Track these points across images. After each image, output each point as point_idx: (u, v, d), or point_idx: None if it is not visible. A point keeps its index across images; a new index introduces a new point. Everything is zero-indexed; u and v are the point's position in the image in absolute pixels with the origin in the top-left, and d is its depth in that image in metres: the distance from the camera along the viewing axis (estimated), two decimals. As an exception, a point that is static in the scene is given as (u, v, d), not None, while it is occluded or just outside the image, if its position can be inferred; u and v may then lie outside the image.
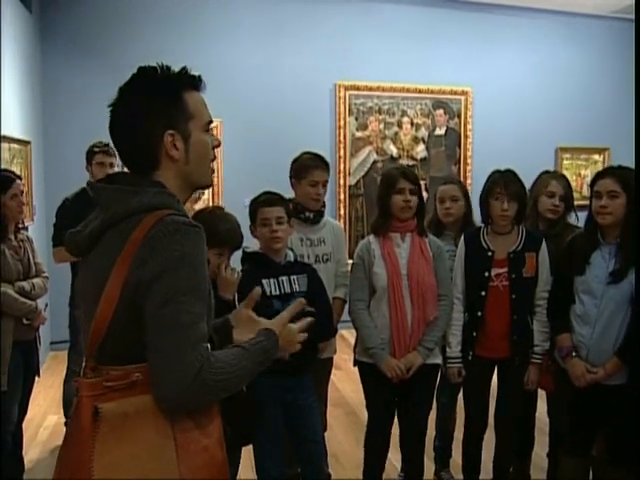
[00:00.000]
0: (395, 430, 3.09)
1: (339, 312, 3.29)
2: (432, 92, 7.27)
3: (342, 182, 7.00)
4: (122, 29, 6.22)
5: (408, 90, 7.17)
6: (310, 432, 2.84)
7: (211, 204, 6.15)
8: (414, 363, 2.89)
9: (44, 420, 4.50)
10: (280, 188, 2.95)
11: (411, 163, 7.15)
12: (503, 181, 2.96)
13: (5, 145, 4.50)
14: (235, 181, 6.20)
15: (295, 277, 2.80)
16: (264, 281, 2.73)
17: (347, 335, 5.08)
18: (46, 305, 3.52)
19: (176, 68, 1.48)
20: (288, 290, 2.75)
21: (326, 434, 3.15)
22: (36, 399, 4.31)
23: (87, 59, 6.13)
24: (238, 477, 2.97)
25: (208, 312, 1.39)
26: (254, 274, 2.74)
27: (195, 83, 1.49)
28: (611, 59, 7.92)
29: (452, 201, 3.40)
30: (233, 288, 2.62)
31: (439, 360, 3.04)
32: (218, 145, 1.56)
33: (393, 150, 7.20)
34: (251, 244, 2.89)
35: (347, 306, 3.17)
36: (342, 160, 6.98)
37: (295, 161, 3.31)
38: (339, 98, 6.91)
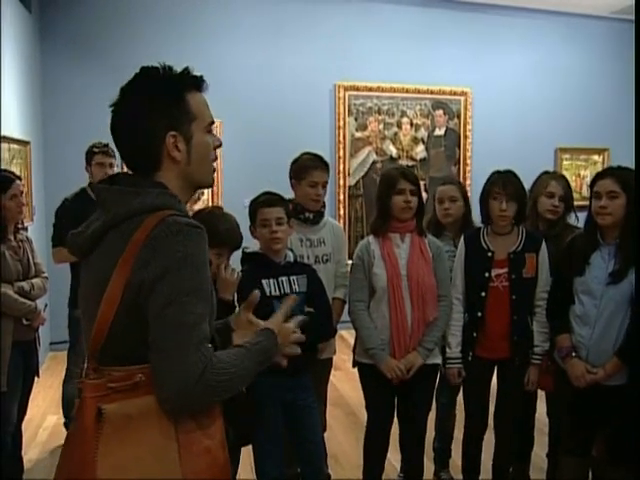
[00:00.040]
0: (395, 430, 3.10)
1: (339, 313, 3.29)
2: (432, 92, 7.27)
3: (342, 182, 7.00)
4: (122, 29, 6.22)
5: (408, 90, 7.17)
6: (310, 432, 2.84)
7: (211, 204, 6.15)
8: (414, 364, 2.89)
9: (43, 420, 4.50)
10: (280, 188, 2.95)
11: (410, 163, 7.16)
12: (502, 181, 2.97)
13: (5, 145, 4.50)
14: (235, 181, 6.20)
15: (295, 278, 2.80)
16: (264, 281, 2.73)
17: (347, 336, 5.08)
18: (45, 305, 3.51)
19: (177, 68, 1.47)
20: (288, 290, 2.75)
21: (326, 434, 3.15)
22: (35, 399, 4.31)
23: (87, 59, 6.13)
24: (238, 477, 2.97)
25: (210, 313, 1.39)
26: (254, 274, 2.74)
27: (198, 83, 1.49)
28: (610, 59, 7.92)
29: (451, 202, 3.40)
30: (233, 288, 2.62)
31: (439, 360, 3.05)
32: (220, 145, 1.56)
33: (393, 150, 7.20)
34: (251, 245, 2.89)
35: (347, 307, 3.17)
36: (342, 160, 6.98)
37: (295, 162, 3.31)
38: (339, 98, 6.92)
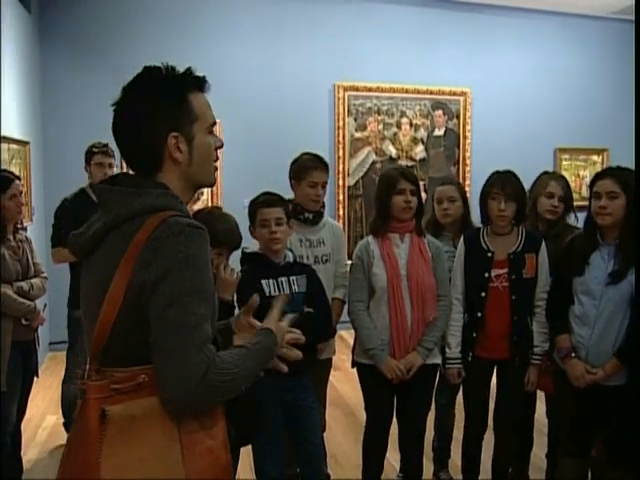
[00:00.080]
0: (394, 430, 3.10)
1: (338, 313, 3.29)
2: (431, 93, 7.27)
3: (341, 183, 7.00)
4: (121, 29, 6.22)
5: (407, 91, 7.17)
6: (309, 433, 2.84)
7: (210, 204, 6.15)
8: (414, 364, 2.89)
9: (43, 421, 4.50)
10: (279, 188, 2.95)
11: (410, 164, 7.16)
12: (500, 182, 2.97)
13: (4, 145, 4.50)
14: (234, 181, 6.19)
15: (294, 278, 2.80)
16: (263, 282, 2.73)
17: (346, 336, 5.08)
18: (45, 306, 3.51)
19: (178, 68, 1.47)
20: (287, 291, 2.75)
21: (325, 434, 3.15)
22: (35, 399, 4.31)
23: (86, 59, 6.13)
24: (237, 477, 2.96)
25: (212, 313, 1.39)
26: (253, 275, 2.74)
27: (200, 84, 1.49)
28: (610, 60, 7.92)
29: (450, 202, 3.40)
30: (232, 289, 2.62)
31: (438, 360, 3.05)
32: (221, 146, 1.55)
33: (392, 151, 7.20)
34: (250, 245, 2.89)
35: (346, 307, 3.17)
36: (341, 161, 6.98)
37: (294, 162, 3.31)
38: (338, 99, 6.92)
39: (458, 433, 3.43)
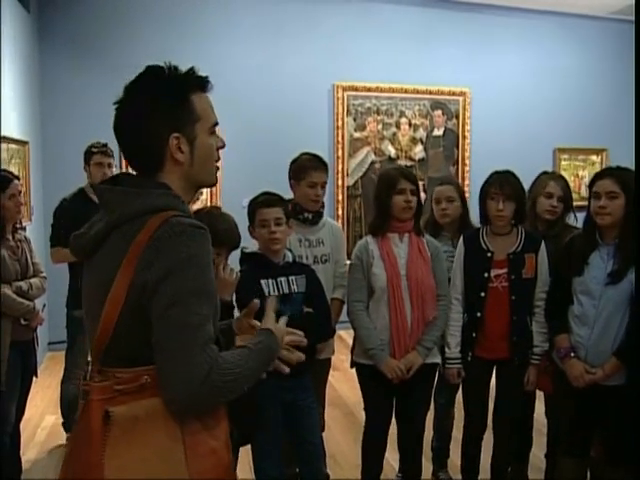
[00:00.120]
0: (393, 430, 3.10)
1: (337, 313, 3.29)
2: (430, 93, 7.27)
3: (340, 183, 7.00)
4: (121, 29, 6.21)
5: (406, 91, 7.17)
6: (309, 433, 2.84)
7: (209, 204, 6.15)
8: (414, 363, 2.90)
9: (42, 420, 4.50)
10: (278, 188, 2.95)
11: (409, 164, 7.16)
12: (499, 181, 2.97)
13: (3, 145, 4.50)
14: (233, 181, 6.19)
15: (294, 278, 2.80)
16: (263, 282, 2.73)
17: (345, 336, 5.07)
18: (44, 305, 3.51)
19: (182, 68, 1.46)
20: (287, 291, 2.76)
21: (324, 434, 3.15)
22: (34, 399, 4.30)
23: (85, 59, 6.13)
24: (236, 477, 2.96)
25: (214, 313, 1.39)
26: (253, 275, 2.74)
27: (202, 84, 1.48)
28: (609, 60, 7.93)
29: (448, 202, 3.40)
30: (231, 289, 2.61)
31: (438, 360, 3.05)
32: (223, 146, 1.55)
33: (391, 151, 7.20)
34: (250, 245, 2.89)
35: (345, 307, 3.17)
36: (340, 161, 6.98)
37: (294, 162, 3.31)
38: (337, 99, 6.92)
39: (457, 433, 3.44)
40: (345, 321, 3.18)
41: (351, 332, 3.10)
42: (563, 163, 7.91)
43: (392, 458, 3.44)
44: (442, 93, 7.31)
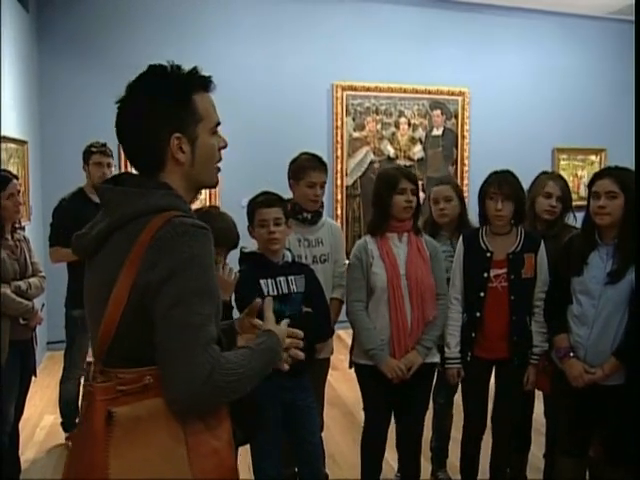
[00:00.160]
0: (392, 430, 3.10)
1: (336, 313, 3.29)
2: (429, 93, 7.27)
3: (339, 182, 7.00)
4: (120, 28, 6.21)
5: (405, 91, 7.17)
6: (308, 433, 2.84)
7: (208, 204, 6.14)
8: (414, 363, 2.90)
9: (40, 420, 4.50)
10: (278, 188, 2.95)
11: (408, 163, 7.16)
12: (498, 181, 2.96)
13: (2, 145, 4.49)
14: (232, 181, 6.17)
15: (293, 278, 2.80)
16: (262, 281, 2.73)
17: (344, 336, 5.07)
18: (43, 305, 3.51)
19: (185, 68, 1.46)
20: (286, 291, 2.75)
21: (323, 434, 3.15)
22: (32, 399, 4.29)
23: (84, 59, 6.12)
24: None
25: (217, 313, 1.39)
26: (252, 274, 2.74)
27: (205, 84, 1.48)
28: (608, 60, 7.93)
29: (446, 202, 3.39)
30: (230, 289, 2.61)
31: (437, 359, 3.05)
32: (225, 146, 1.55)
33: (390, 150, 7.20)
34: (249, 244, 2.89)
35: (344, 307, 3.17)
36: (339, 160, 6.98)
37: (293, 162, 3.31)
38: (336, 98, 6.92)
39: (456, 433, 3.43)
40: (344, 321, 3.18)
41: (350, 332, 3.10)
42: (562, 163, 7.92)
43: (391, 458, 3.44)
44: (441, 93, 7.31)
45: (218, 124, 1.52)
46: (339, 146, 6.97)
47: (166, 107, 1.41)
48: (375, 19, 7.02)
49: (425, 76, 7.21)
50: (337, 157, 6.96)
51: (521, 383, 3.00)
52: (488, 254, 2.99)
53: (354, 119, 7.04)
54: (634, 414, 2.61)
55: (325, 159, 3.37)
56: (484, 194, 3.01)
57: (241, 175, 6.14)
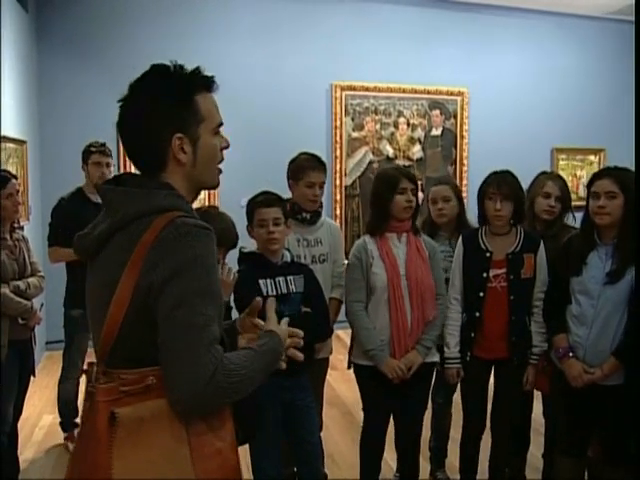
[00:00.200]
0: (390, 429, 3.09)
1: (335, 312, 3.29)
2: (428, 92, 7.27)
3: (338, 182, 7.00)
4: (119, 29, 6.20)
5: (404, 90, 7.17)
6: (307, 433, 2.84)
7: (207, 204, 6.14)
8: (414, 362, 2.90)
9: (39, 420, 4.49)
10: (277, 188, 2.95)
11: (407, 163, 7.16)
12: (497, 181, 2.96)
13: (1, 145, 4.49)
14: (231, 181, 6.15)
15: (292, 278, 2.80)
16: (261, 281, 2.73)
17: (343, 335, 5.07)
18: (42, 305, 3.51)
19: (187, 67, 1.45)
20: (285, 291, 2.75)
21: (322, 434, 3.15)
22: (31, 399, 4.29)
23: (83, 59, 6.12)
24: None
25: (219, 314, 1.38)
26: (251, 274, 2.74)
27: (208, 84, 1.47)
28: (607, 60, 7.93)
29: (444, 202, 3.39)
30: (229, 289, 2.61)
31: (436, 358, 3.06)
32: (227, 147, 1.54)
33: (389, 150, 7.20)
34: (248, 244, 2.89)
35: (344, 306, 3.16)
36: (338, 160, 6.98)
37: (292, 162, 3.31)
38: (335, 98, 6.91)
39: (455, 433, 3.43)
40: (343, 321, 3.18)
41: (349, 332, 3.09)
42: (561, 163, 7.92)
43: (390, 458, 3.44)
44: (440, 93, 7.31)
45: (221, 124, 1.51)
46: (338, 146, 6.96)
47: (168, 107, 1.40)
48: (374, 19, 7.02)
49: (424, 76, 7.20)
50: (336, 157, 6.96)
51: (520, 383, 3.00)
52: (487, 254, 2.99)
53: (353, 119, 7.04)
54: (633, 414, 2.61)
55: (324, 159, 3.37)
56: (483, 194, 3.01)
57: (240, 175, 6.14)
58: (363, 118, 7.08)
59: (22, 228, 3.60)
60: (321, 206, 3.33)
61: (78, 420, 4.08)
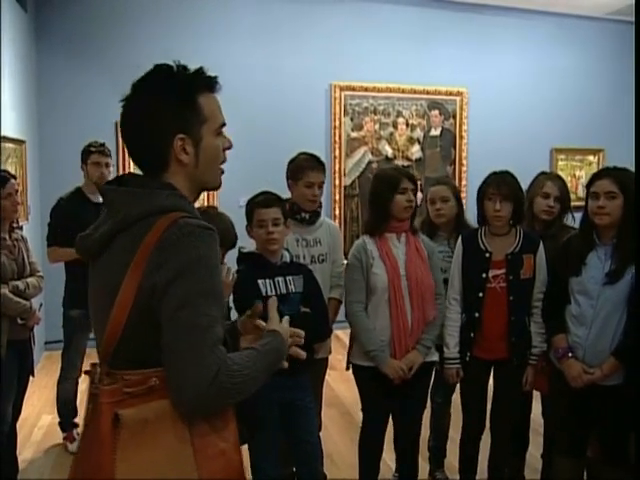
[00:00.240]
0: (389, 429, 3.09)
1: (334, 312, 3.29)
2: (427, 93, 7.27)
3: (337, 182, 7.00)
4: (118, 28, 6.20)
5: (403, 91, 7.17)
6: (306, 433, 2.83)
7: (206, 204, 6.14)
8: (415, 362, 2.90)
9: (38, 420, 4.49)
10: (276, 188, 2.95)
11: (406, 164, 7.16)
12: (496, 182, 2.96)
13: (0, 145, 4.48)
14: (230, 180, 6.16)
15: (291, 278, 2.79)
16: (260, 281, 2.72)
17: (342, 335, 5.07)
18: (40, 305, 3.51)
19: (190, 68, 1.45)
20: (284, 291, 2.75)
21: (321, 434, 3.14)
22: (30, 399, 4.29)
23: (82, 59, 6.12)
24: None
25: (222, 314, 1.38)
26: (250, 275, 2.74)
27: (211, 84, 1.47)
28: (606, 60, 7.94)
29: (442, 202, 3.39)
30: (228, 289, 2.61)
31: (436, 357, 3.06)
32: (230, 147, 1.53)
33: (388, 151, 7.21)
34: (247, 244, 2.89)
35: (343, 307, 3.16)
36: (337, 160, 6.98)
37: (291, 162, 3.31)
38: (334, 98, 6.91)
39: (454, 433, 3.43)
40: (342, 321, 3.18)
41: (348, 332, 3.09)
42: (560, 163, 7.92)
43: (389, 458, 3.44)
44: (439, 93, 7.31)
45: (223, 125, 1.51)
46: (337, 146, 6.97)
47: (170, 108, 1.39)
48: (373, 19, 7.02)
49: (423, 76, 7.20)
50: (335, 157, 6.96)
51: (520, 384, 3.00)
52: (487, 255, 2.99)
53: (352, 119, 7.04)
54: (632, 414, 2.61)
55: (323, 159, 3.37)
56: (483, 195, 3.01)
57: (239, 175, 6.13)
58: (362, 118, 7.08)
59: (21, 228, 3.60)
60: (320, 206, 3.33)
61: (77, 420, 4.08)
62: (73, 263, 3.73)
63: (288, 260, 2.86)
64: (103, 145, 4.01)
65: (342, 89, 6.93)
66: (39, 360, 5.55)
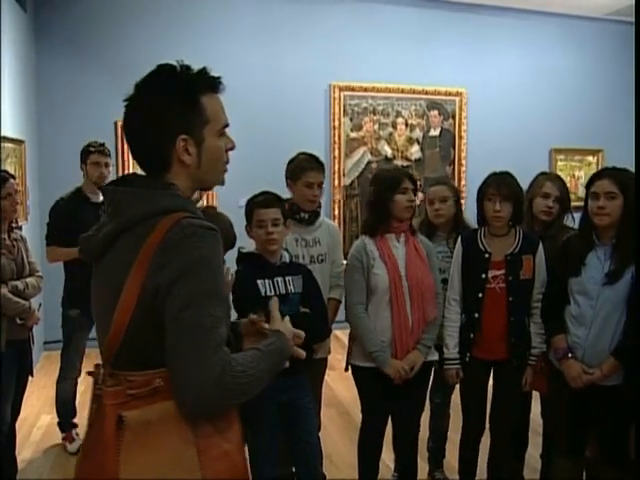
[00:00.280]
0: (388, 430, 3.09)
1: (334, 313, 3.29)
2: (427, 93, 7.27)
3: (337, 183, 7.00)
4: (117, 29, 6.20)
5: (403, 91, 7.18)
6: (306, 433, 2.83)
7: (205, 204, 6.14)
8: (416, 362, 2.91)
9: (37, 420, 4.49)
10: (275, 188, 2.94)
11: (405, 164, 7.17)
12: (496, 182, 2.96)
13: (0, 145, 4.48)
14: (230, 181, 6.13)
15: (290, 278, 2.79)
16: (259, 282, 2.72)
17: (341, 335, 5.07)
18: (40, 305, 3.51)
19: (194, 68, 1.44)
20: (283, 291, 2.75)
21: (320, 434, 3.14)
22: (29, 399, 4.29)
23: (82, 59, 6.12)
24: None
25: (226, 315, 1.37)
26: (249, 275, 2.73)
27: (214, 85, 1.47)
28: (605, 61, 7.94)
29: (441, 202, 3.38)
30: (227, 289, 2.60)
31: (435, 357, 3.06)
32: (232, 148, 1.53)
33: (387, 151, 7.21)
34: (247, 244, 2.89)
35: (342, 307, 3.16)
36: (337, 160, 6.98)
37: (291, 162, 3.31)
38: (334, 99, 6.91)
39: (453, 433, 3.43)
40: (341, 321, 3.18)
41: (347, 332, 3.09)
42: (559, 164, 7.93)
43: (388, 458, 3.44)
44: (438, 93, 7.31)
45: (226, 125, 1.50)
46: (336, 146, 6.97)
47: (173, 108, 1.39)
48: (373, 19, 7.02)
49: (422, 76, 7.21)
50: (334, 157, 6.96)
51: (519, 384, 3.00)
52: (486, 255, 2.99)
53: (351, 119, 7.04)
54: (632, 414, 2.61)
55: (322, 159, 3.37)
56: (482, 195, 3.00)
57: (238, 175, 6.12)
58: (361, 118, 7.08)
59: (20, 228, 3.60)
60: (320, 206, 3.33)
61: (76, 420, 4.08)
62: (72, 263, 3.73)
63: (287, 260, 2.86)
64: (103, 145, 4.00)
65: (341, 89, 6.93)
66: (38, 360, 5.54)
